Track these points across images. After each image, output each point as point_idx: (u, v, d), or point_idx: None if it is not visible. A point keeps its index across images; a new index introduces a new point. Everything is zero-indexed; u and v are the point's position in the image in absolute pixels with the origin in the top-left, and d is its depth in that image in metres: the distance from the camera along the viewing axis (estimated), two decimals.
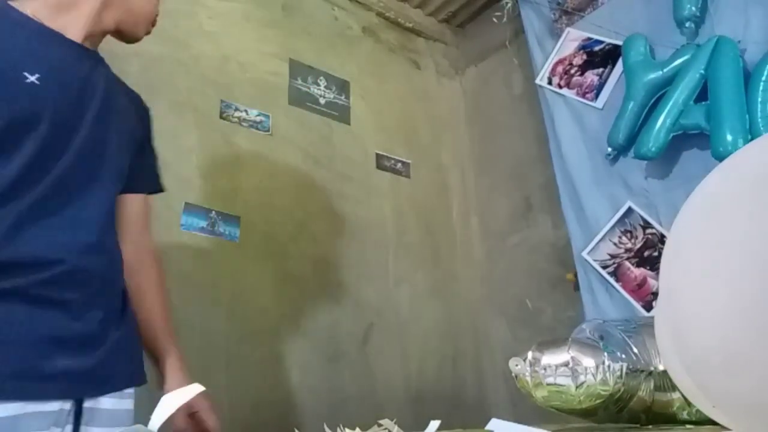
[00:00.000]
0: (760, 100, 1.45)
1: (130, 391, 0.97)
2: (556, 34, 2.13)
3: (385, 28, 2.55)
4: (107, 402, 0.91)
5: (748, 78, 1.51)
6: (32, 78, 0.85)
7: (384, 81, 2.45)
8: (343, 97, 2.29)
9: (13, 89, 0.84)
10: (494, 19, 2.33)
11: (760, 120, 1.44)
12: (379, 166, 2.32)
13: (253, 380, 1.76)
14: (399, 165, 2.38)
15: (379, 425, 0.67)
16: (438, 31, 2.73)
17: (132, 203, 1.08)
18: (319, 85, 2.22)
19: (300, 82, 2.17)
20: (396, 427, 0.65)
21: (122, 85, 1.09)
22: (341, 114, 2.26)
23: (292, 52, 2.17)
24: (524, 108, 2.38)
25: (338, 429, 0.67)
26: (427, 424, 0.68)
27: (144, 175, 1.11)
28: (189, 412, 1.00)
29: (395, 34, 2.59)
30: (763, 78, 1.46)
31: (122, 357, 0.95)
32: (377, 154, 2.33)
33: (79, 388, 0.86)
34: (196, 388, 0.68)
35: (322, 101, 2.21)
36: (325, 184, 2.11)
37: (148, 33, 1.12)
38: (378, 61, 2.47)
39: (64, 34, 0.93)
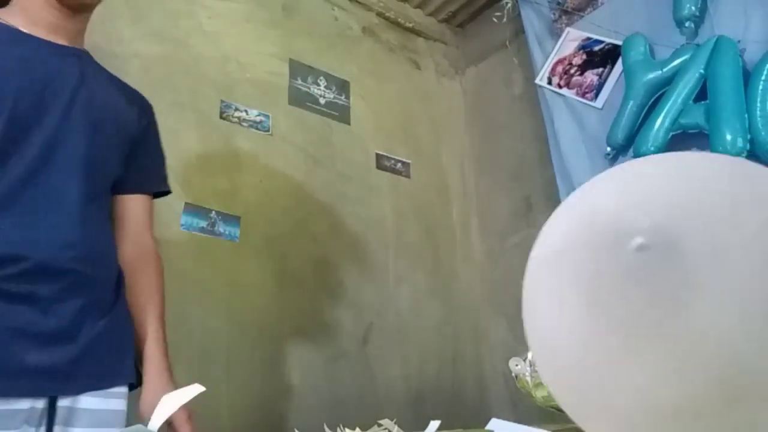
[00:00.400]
0: (759, 99, 1.45)
1: (120, 390, 0.94)
2: (556, 34, 2.13)
3: (385, 28, 2.55)
4: (90, 401, 0.88)
5: (747, 77, 1.51)
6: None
7: (384, 81, 2.45)
8: (343, 97, 2.29)
9: None
10: (494, 19, 2.33)
11: (759, 119, 1.44)
12: (379, 166, 2.32)
13: (253, 380, 1.76)
14: (399, 165, 2.38)
15: (379, 425, 0.67)
16: (438, 31, 2.73)
17: (131, 203, 1.07)
18: (319, 85, 2.22)
19: (300, 82, 2.17)
20: (396, 427, 0.65)
21: (117, 81, 1.08)
22: (341, 114, 2.26)
23: (292, 52, 2.17)
24: (524, 108, 2.38)
25: (338, 429, 0.67)
26: (427, 424, 0.68)
27: (143, 176, 1.09)
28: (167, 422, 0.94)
29: (395, 34, 2.59)
30: (763, 77, 1.46)
31: (104, 354, 0.92)
32: (377, 154, 2.33)
33: (50, 385, 0.84)
34: (196, 389, 0.68)
35: (322, 101, 2.22)
36: (325, 184, 2.11)
37: None
38: (378, 61, 2.47)
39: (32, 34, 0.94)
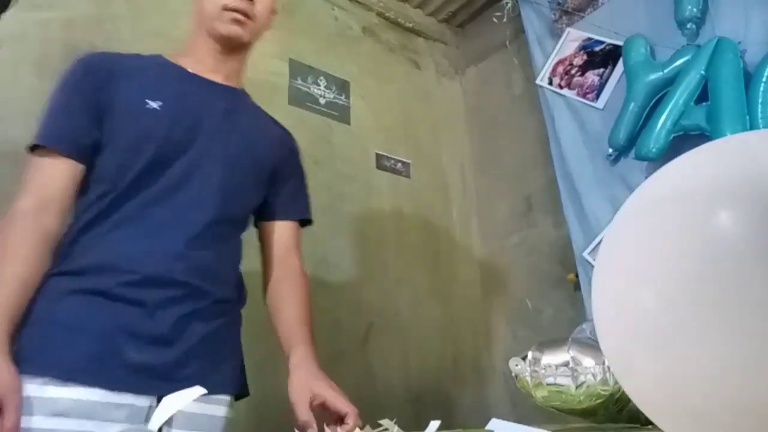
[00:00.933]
0: (760, 101, 1.45)
1: (221, 397, 1.01)
2: (556, 35, 2.13)
3: (385, 28, 2.55)
4: (191, 404, 0.90)
5: (748, 79, 1.51)
6: (153, 105, 0.99)
7: (384, 81, 2.45)
8: (343, 97, 2.29)
9: (137, 113, 0.98)
10: (494, 19, 2.33)
11: (760, 121, 1.44)
12: (379, 166, 2.32)
13: (253, 380, 1.75)
14: (399, 165, 2.38)
15: (379, 425, 0.67)
16: (438, 31, 2.73)
17: (275, 229, 1.20)
18: (319, 85, 2.22)
19: (300, 82, 2.17)
20: (396, 427, 0.65)
21: (265, 117, 1.19)
22: (341, 114, 2.26)
23: (292, 52, 2.17)
24: (524, 108, 2.38)
25: (338, 429, 0.67)
26: (427, 424, 0.68)
27: (285, 204, 1.20)
28: (312, 403, 0.99)
29: (395, 34, 2.59)
30: (764, 79, 1.46)
31: (206, 360, 0.97)
32: (377, 154, 2.32)
33: (150, 383, 0.89)
34: (197, 390, 0.68)
35: (322, 101, 2.21)
36: (325, 184, 2.11)
37: (239, 24, 1.10)
38: (378, 61, 2.47)
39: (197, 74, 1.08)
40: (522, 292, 2.31)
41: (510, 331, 2.34)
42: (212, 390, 0.94)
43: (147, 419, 0.87)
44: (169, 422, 0.90)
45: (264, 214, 1.19)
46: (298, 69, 2.18)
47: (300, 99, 2.15)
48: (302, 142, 2.11)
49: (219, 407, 0.99)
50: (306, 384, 0.99)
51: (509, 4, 2.29)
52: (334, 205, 2.11)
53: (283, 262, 1.20)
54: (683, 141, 1.63)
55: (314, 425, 0.91)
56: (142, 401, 0.88)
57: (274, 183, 1.17)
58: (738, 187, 0.42)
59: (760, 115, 1.44)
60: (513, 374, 0.78)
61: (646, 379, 0.46)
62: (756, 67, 1.51)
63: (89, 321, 0.87)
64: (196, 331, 0.97)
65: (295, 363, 1.05)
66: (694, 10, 1.64)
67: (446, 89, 2.70)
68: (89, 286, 0.89)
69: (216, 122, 1.05)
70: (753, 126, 1.44)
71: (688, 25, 1.66)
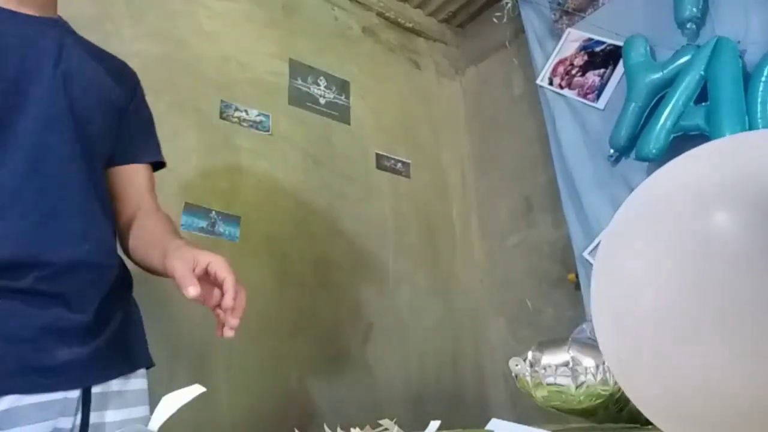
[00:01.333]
0: (759, 100, 1.45)
1: (141, 371, 0.97)
2: (556, 35, 2.13)
3: (385, 28, 2.55)
4: (117, 384, 0.91)
5: (747, 79, 1.51)
6: None
7: (384, 81, 2.45)
8: (343, 97, 2.29)
9: None
10: (494, 19, 2.33)
11: (759, 121, 1.44)
12: (379, 166, 2.32)
13: (253, 380, 1.76)
14: (399, 165, 2.38)
15: (379, 425, 0.67)
16: (438, 31, 2.73)
17: (128, 174, 1.02)
18: (319, 85, 2.22)
19: (300, 82, 2.17)
20: (396, 427, 0.65)
21: (97, 50, 1.01)
22: (341, 114, 2.26)
23: (292, 52, 2.17)
24: (524, 108, 2.38)
25: (338, 429, 0.67)
26: (427, 424, 0.68)
27: (137, 145, 1.04)
28: (195, 270, 0.88)
29: (395, 34, 2.59)
30: (763, 79, 1.47)
31: (127, 341, 0.94)
32: (377, 154, 2.33)
33: (81, 376, 0.85)
34: (196, 389, 0.68)
35: (322, 101, 2.21)
36: (325, 184, 2.11)
37: None
38: (378, 61, 2.47)
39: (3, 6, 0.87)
40: (522, 292, 2.31)
41: (510, 331, 2.34)
42: (135, 367, 0.95)
43: (77, 410, 0.84)
44: (104, 404, 0.88)
45: (113, 160, 1.01)
46: (298, 69, 2.18)
47: (300, 99, 2.15)
48: (302, 142, 2.13)
49: (142, 380, 0.96)
50: (189, 252, 0.87)
51: (509, 5, 2.29)
52: (334, 205, 2.11)
53: (141, 204, 1.03)
54: (683, 141, 1.63)
55: (196, 283, 0.84)
56: (74, 393, 0.84)
57: (124, 124, 1.01)
58: (736, 188, 0.42)
59: (759, 114, 1.44)
60: (513, 374, 0.78)
61: (645, 380, 0.46)
62: (755, 67, 1.51)
63: (6, 328, 0.79)
64: (115, 312, 0.92)
65: (175, 246, 0.90)
66: (694, 10, 1.64)
67: (446, 89, 2.70)
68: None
69: (50, 64, 0.88)
70: (752, 126, 1.45)
71: (688, 25, 1.66)
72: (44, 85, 0.86)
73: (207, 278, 0.89)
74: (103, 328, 0.89)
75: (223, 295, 0.90)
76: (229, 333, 0.89)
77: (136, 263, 1.01)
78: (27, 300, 0.81)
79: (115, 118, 0.99)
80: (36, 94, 0.85)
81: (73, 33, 0.97)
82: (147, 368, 0.99)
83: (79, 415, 0.85)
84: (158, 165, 1.11)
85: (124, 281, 0.98)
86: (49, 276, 0.82)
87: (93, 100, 0.94)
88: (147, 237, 0.98)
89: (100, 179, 0.96)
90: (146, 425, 0.84)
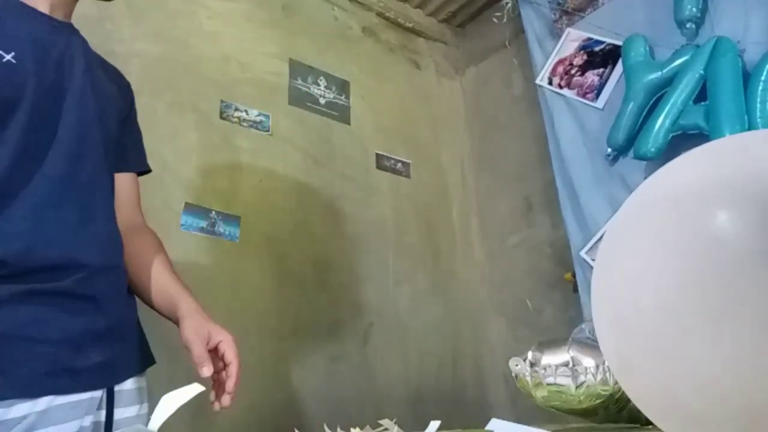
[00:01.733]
0: (759, 100, 1.45)
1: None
2: (556, 35, 2.13)
3: (385, 28, 2.55)
4: (129, 383, 0.94)
5: (747, 78, 1.51)
6: (8, 57, 0.80)
7: (384, 81, 2.45)
8: (343, 97, 2.29)
9: None
10: (494, 19, 2.33)
11: (759, 120, 1.44)
12: (379, 166, 2.32)
13: (252, 380, 1.76)
14: (399, 165, 2.38)
15: (379, 425, 0.67)
16: (438, 31, 2.73)
17: (122, 182, 1.05)
18: (319, 85, 2.22)
19: (300, 82, 2.17)
20: (396, 427, 0.65)
21: (99, 57, 1.03)
22: (341, 114, 2.26)
23: (292, 52, 2.17)
24: (524, 108, 2.38)
25: (338, 429, 0.67)
26: (427, 424, 0.68)
27: (132, 154, 1.08)
28: (208, 344, 0.93)
29: (395, 34, 2.59)
30: (762, 78, 1.47)
31: (137, 341, 0.98)
32: (377, 154, 2.33)
33: (108, 376, 0.89)
34: (196, 389, 0.68)
35: (322, 101, 2.21)
36: (325, 184, 2.11)
37: None
38: (378, 61, 2.47)
39: (35, 7, 0.88)
40: (522, 292, 2.31)
41: (510, 331, 2.34)
42: (145, 366, 0.99)
43: (103, 403, 0.88)
44: (120, 403, 0.91)
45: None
46: (298, 69, 2.18)
47: (300, 99, 2.15)
48: (302, 142, 2.13)
49: (142, 378, 0.99)
50: (204, 326, 0.93)
51: (509, 4, 2.29)
52: (334, 205, 2.11)
53: (130, 218, 1.05)
54: (682, 140, 1.63)
55: (210, 363, 0.88)
56: (99, 392, 0.87)
57: (124, 132, 1.04)
58: (736, 188, 0.42)
59: (758, 114, 1.44)
60: (513, 374, 0.78)
61: (645, 379, 0.46)
62: (755, 66, 1.51)
63: (40, 331, 0.80)
64: (129, 312, 0.96)
65: (187, 309, 0.94)
66: (694, 9, 1.64)
67: (446, 89, 2.70)
68: (29, 287, 0.80)
69: (80, 72, 0.90)
70: (752, 125, 1.45)
71: (688, 25, 1.66)
72: (77, 91, 0.89)
73: (214, 350, 0.95)
74: (123, 329, 0.93)
75: (224, 366, 0.95)
76: (218, 408, 0.93)
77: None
78: (66, 303, 0.83)
79: (120, 127, 1.02)
80: (72, 99, 0.88)
81: (79, 38, 0.98)
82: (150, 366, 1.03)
83: (103, 412, 0.88)
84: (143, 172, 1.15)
85: (127, 282, 1.00)
86: (85, 278, 0.85)
87: (112, 109, 0.98)
88: (147, 272, 1.01)
89: (113, 185, 1.01)
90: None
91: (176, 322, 0.95)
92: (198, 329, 0.92)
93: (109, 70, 1.04)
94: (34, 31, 0.86)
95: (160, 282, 1.00)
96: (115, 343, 0.90)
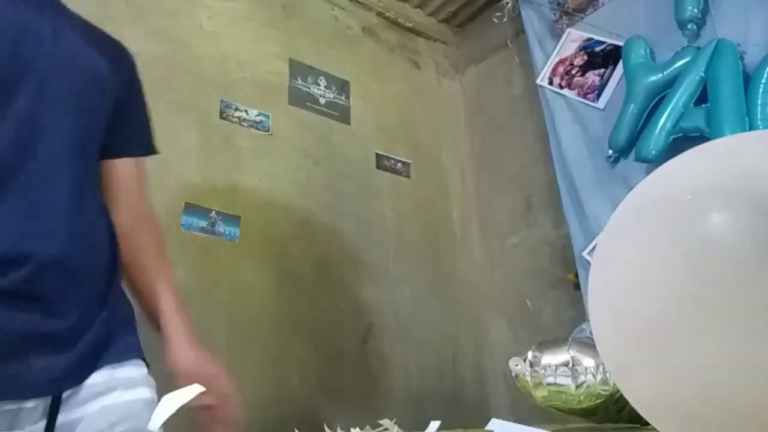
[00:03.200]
0: (760, 102, 1.45)
1: (131, 360, 0.89)
2: (556, 35, 2.13)
3: (385, 28, 2.55)
4: (95, 377, 0.83)
5: (748, 80, 1.51)
6: None
7: (384, 81, 2.45)
8: (343, 97, 2.29)
9: None
10: (494, 19, 2.33)
11: (760, 122, 1.44)
12: (379, 166, 2.32)
13: (253, 380, 1.76)
14: (399, 165, 2.38)
15: (379, 425, 0.67)
16: (438, 31, 2.73)
17: (121, 168, 0.97)
18: (319, 85, 2.22)
19: (300, 82, 2.17)
20: (396, 427, 0.65)
21: (95, 32, 0.95)
22: (341, 114, 2.26)
23: (292, 52, 2.17)
24: (524, 108, 2.38)
25: (338, 429, 0.67)
26: (427, 424, 0.68)
27: (131, 137, 0.99)
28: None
29: (395, 34, 2.59)
30: (763, 80, 1.46)
31: (105, 343, 0.85)
32: (377, 154, 2.33)
33: (57, 384, 0.79)
34: (196, 389, 0.68)
35: (322, 101, 2.21)
36: (325, 184, 2.11)
37: None
38: (378, 61, 2.47)
39: None
40: (522, 292, 2.31)
41: (510, 331, 2.34)
42: (120, 359, 0.87)
43: (42, 416, 0.78)
44: (76, 402, 0.81)
45: (106, 150, 0.94)
46: (298, 69, 2.18)
47: (300, 99, 2.15)
48: (302, 142, 2.13)
49: (133, 368, 0.89)
50: (191, 360, 0.89)
51: (509, 4, 2.29)
52: (334, 205, 2.11)
53: (131, 207, 0.97)
54: (683, 143, 1.63)
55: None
56: (36, 403, 0.78)
57: (119, 113, 0.95)
58: (731, 189, 0.42)
59: (759, 117, 1.44)
60: (513, 374, 0.78)
61: (643, 381, 0.46)
62: (756, 68, 1.51)
63: None
64: (97, 315, 0.85)
65: (175, 331, 0.90)
66: (695, 11, 1.64)
67: (446, 89, 2.70)
68: None
69: (46, 50, 0.82)
70: (753, 128, 1.44)
71: (689, 26, 1.66)
72: (39, 71, 0.81)
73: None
74: (84, 332, 0.82)
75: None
76: None
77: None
78: (6, 302, 0.74)
79: (110, 106, 0.92)
80: (31, 80, 0.80)
81: (67, 13, 0.91)
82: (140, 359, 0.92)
83: (43, 423, 0.78)
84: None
85: (112, 279, 0.91)
86: (31, 275, 0.76)
87: (90, 86, 0.88)
88: (140, 277, 0.96)
89: (93, 171, 0.91)
90: (143, 408, 0.82)
91: (157, 328, 0.90)
92: (186, 363, 0.87)
93: (104, 46, 0.94)
94: (9, 9, 0.79)
95: (149, 281, 0.95)
96: (66, 350, 0.79)
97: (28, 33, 0.80)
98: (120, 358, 0.86)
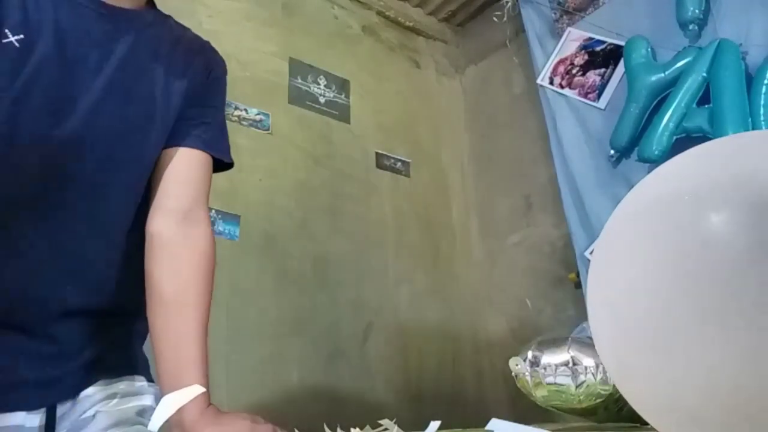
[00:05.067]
0: (762, 102, 1.45)
1: (131, 377, 0.83)
2: (557, 34, 2.13)
3: (385, 27, 2.55)
4: (91, 389, 0.79)
5: (750, 81, 1.51)
6: (11, 38, 0.67)
7: (384, 80, 2.45)
8: (342, 96, 2.28)
9: None
10: (494, 19, 2.33)
11: (762, 122, 1.44)
12: (379, 165, 2.32)
13: (253, 380, 1.76)
14: (399, 164, 2.38)
15: (379, 425, 0.67)
16: (438, 30, 2.73)
17: (184, 158, 0.80)
18: (319, 84, 2.22)
19: (300, 81, 2.17)
20: (396, 427, 0.65)
21: (184, 41, 0.85)
22: (341, 113, 2.26)
23: (292, 51, 2.17)
24: (524, 107, 2.38)
25: (338, 429, 0.67)
26: (427, 424, 0.67)
27: (205, 132, 0.84)
28: None
29: (395, 33, 2.58)
30: (765, 81, 1.47)
31: (104, 355, 0.80)
32: (377, 153, 2.32)
33: (52, 396, 0.75)
34: (196, 390, 0.68)
35: (322, 100, 2.21)
36: (325, 183, 2.11)
37: None
38: (378, 60, 2.47)
39: None
40: (522, 291, 2.31)
41: (510, 331, 2.34)
42: (119, 374, 0.82)
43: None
44: (73, 415, 0.77)
45: (169, 138, 0.81)
46: (298, 68, 2.17)
47: (300, 98, 2.14)
48: (302, 141, 2.12)
49: (130, 382, 0.84)
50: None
51: (509, 4, 2.29)
52: (334, 205, 2.11)
53: (180, 211, 0.79)
54: (686, 143, 1.63)
55: None
56: (35, 417, 0.73)
57: (195, 106, 0.83)
58: (729, 189, 0.42)
59: (762, 117, 1.44)
60: (513, 374, 0.78)
61: (642, 381, 0.46)
62: (757, 69, 1.51)
63: None
64: (101, 339, 0.79)
65: (208, 420, 0.72)
66: (696, 11, 1.64)
67: (446, 88, 2.70)
68: None
69: (113, 68, 0.73)
70: (755, 127, 1.45)
71: (690, 27, 1.66)
72: (91, 100, 0.73)
73: None
74: (84, 347, 0.78)
75: None
76: None
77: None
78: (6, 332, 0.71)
79: (170, 117, 0.80)
80: (82, 106, 0.72)
81: (149, 26, 0.80)
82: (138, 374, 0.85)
83: None
84: (225, 166, 0.92)
85: (124, 312, 0.83)
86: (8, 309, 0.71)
87: (143, 117, 0.78)
88: (167, 318, 0.77)
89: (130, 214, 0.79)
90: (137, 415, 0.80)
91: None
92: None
93: (197, 55, 0.84)
94: (62, 17, 0.71)
95: (175, 324, 0.77)
96: (66, 363, 0.75)
97: (99, 53, 0.73)
98: (118, 373, 0.81)
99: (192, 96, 0.83)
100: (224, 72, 0.91)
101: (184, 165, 0.81)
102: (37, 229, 0.71)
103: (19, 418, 0.72)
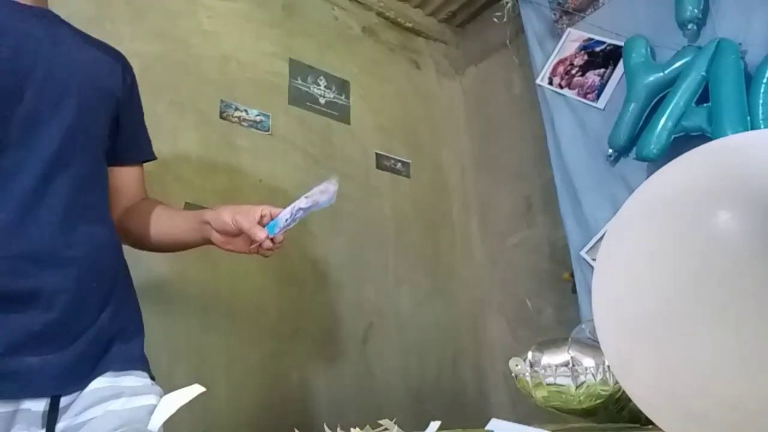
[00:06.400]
0: (761, 102, 1.45)
1: (135, 371, 0.86)
2: (556, 35, 2.13)
3: (385, 28, 2.55)
4: (96, 383, 0.81)
5: (749, 80, 1.51)
6: None
7: (384, 81, 2.45)
8: (343, 97, 2.29)
9: None
10: (494, 19, 2.33)
11: (761, 122, 1.44)
12: (379, 166, 2.32)
13: (253, 380, 1.76)
14: (399, 165, 2.38)
15: (379, 425, 0.67)
16: (438, 30, 2.73)
17: (124, 176, 1.03)
18: (319, 84, 2.22)
19: (300, 81, 2.17)
20: (396, 427, 0.65)
21: (92, 41, 0.99)
22: (341, 114, 2.26)
23: (292, 51, 2.17)
24: (524, 108, 2.38)
25: (338, 429, 0.67)
26: (427, 424, 0.68)
27: (134, 145, 1.05)
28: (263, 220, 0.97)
29: (395, 34, 2.59)
30: (765, 80, 1.46)
31: (105, 348, 0.84)
32: (377, 154, 2.32)
33: (54, 385, 0.77)
34: (196, 389, 0.68)
35: (322, 101, 2.21)
36: None
37: None
38: (378, 60, 2.47)
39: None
40: (522, 292, 2.31)
41: (510, 331, 2.34)
42: (123, 368, 0.85)
43: (42, 423, 0.76)
44: (77, 410, 0.79)
45: (109, 158, 0.98)
46: (298, 69, 2.18)
47: (300, 99, 2.15)
48: (302, 142, 2.12)
49: (133, 377, 0.86)
50: (250, 207, 0.96)
51: (509, 4, 2.29)
52: (334, 204, 2.10)
53: (134, 202, 1.05)
54: (684, 142, 1.63)
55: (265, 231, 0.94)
56: (40, 405, 0.76)
57: (122, 118, 0.99)
58: (735, 188, 0.42)
59: (761, 116, 1.44)
60: (513, 374, 0.78)
61: (646, 379, 0.46)
62: (757, 68, 1.50)
63: None
64: (100, 314, 0.85)
65: (214, 210, 0.97)
66: (695, 10, 1.64)
67: (446, 89, 2.70)
68: None
69: (45, 58, 0.85)
70: (754, 127, 1.44)
71: (689, 26, 1.66)
72: (39, 74, 0.83)
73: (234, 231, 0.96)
74: (81, 331, 0.81)
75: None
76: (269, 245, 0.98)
77: (137, 242, 1.05)
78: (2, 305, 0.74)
79: (113, 111, 0.96)
80: (32, 82, 0.82)
81: (64, 23, 0.94)
82: (142, 370, 0.89)
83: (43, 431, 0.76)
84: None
85: (116, 282, 0.90)
86: (23, 270, 0.76)
87: (89, 88, 0.90)
88: (159, 218, 1.02)
89: (97, 170, 0.93)
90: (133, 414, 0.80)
91: (202, 234, 0.98)
92: (247, 210, 0.94)
93: (109, 55, 1.00)
94: (11, 20, 0.83)
95: (170, 214, 1.03)
96: (65, 346, 0.78)
97: (28, 40, 0.84)
98: (123, 366, 0.85)
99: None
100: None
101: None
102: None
103: (25, 401, 0.75)
